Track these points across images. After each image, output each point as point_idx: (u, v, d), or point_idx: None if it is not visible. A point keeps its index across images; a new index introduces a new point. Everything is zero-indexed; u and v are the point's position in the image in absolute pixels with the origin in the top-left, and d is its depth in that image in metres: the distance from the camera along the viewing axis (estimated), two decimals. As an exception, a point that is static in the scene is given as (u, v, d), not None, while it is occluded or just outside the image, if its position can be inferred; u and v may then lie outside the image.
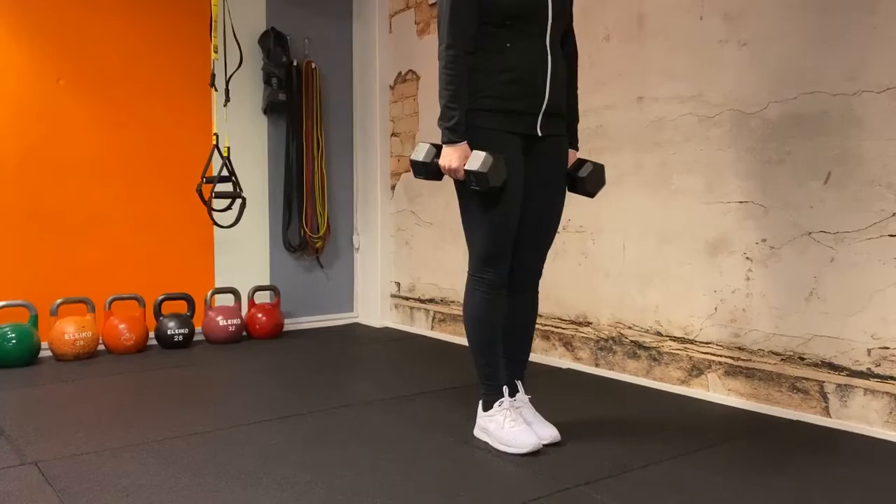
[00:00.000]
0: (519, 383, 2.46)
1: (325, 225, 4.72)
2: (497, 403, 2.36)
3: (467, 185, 2.22)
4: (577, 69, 2.49)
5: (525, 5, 2.21)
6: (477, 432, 2.43)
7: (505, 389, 2.38)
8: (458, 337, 4.23)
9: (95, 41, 3.95)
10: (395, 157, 4.72)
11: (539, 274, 2.47)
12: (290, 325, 4.58)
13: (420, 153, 2.30)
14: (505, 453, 2.28)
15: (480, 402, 2.44)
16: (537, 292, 2.50)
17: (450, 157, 2.20)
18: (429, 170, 2.30)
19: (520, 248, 2.37)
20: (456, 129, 2.19)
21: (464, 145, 2.20)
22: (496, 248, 2.29)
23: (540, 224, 2.40)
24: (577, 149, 2.50)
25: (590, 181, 2.43)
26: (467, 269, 2.37)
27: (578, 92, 2.51)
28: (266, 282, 4.54)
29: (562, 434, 2.36)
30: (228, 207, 3.78)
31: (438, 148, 2.27)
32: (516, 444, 2.27)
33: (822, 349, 2.65)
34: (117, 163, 4.04)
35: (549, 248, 2.47)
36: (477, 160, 2.15)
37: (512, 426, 2.30)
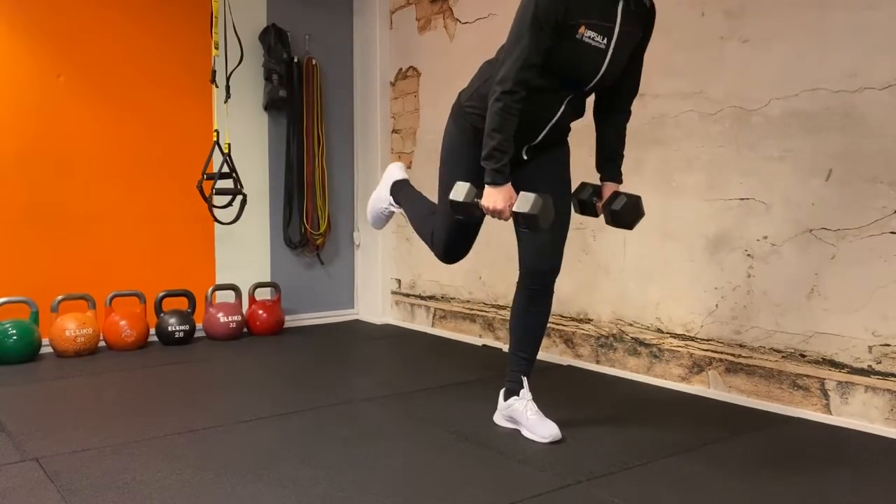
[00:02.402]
0: (524, 379, 2.46)
1: (326, 221, 4.72)
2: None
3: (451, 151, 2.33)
4: (630, 106, 2.46)
5: (576, 72, 2.21)
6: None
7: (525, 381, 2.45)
8: (458, 334, 4.23)
9: (96, 37, 3.95)
10: (396, 153, 4.72)
11: (557, 270, 2.45)
12: (291, 321, 4.57)
13: (460, 193, 2.23)
14: (508, 447, 2.28)
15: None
16: (552, 295, 2.49)
17: (495, 198, 2.17)
18: (468, 209, 2.24)
19: (538, 246, 2.38)
20: (503, 171, 2.16)
21: (508, 187, 2.18)
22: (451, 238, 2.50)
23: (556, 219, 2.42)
24: (620, 182, 2.46)
25: (625, 214, 2.38)
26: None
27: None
28: (267, 278, 4.54)
29: (563, 431, 2.36)
30: (229, 204, 3.77)
31: (478, 187, 2.23)
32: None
33: (823, 346, 2.65)
34: (118, 159, 4.03)
35: (564, 241, 2.46)
36: (527, 202, 2.10)
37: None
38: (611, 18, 2.15)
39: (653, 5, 2.27)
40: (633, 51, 2.29)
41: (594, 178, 2.47)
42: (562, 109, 2.28)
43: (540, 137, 2.33)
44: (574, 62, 2.18)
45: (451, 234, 2.49)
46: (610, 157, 2.44)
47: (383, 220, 2.91)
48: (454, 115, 2.46)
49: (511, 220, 2.23)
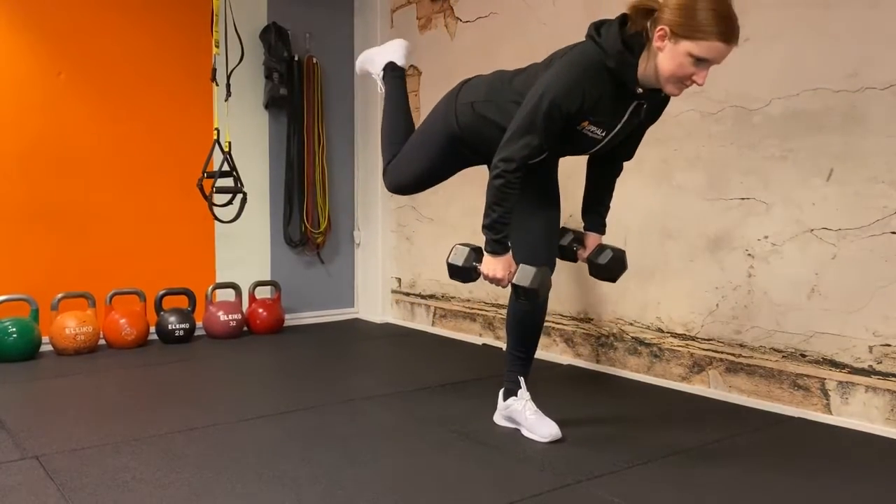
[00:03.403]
0: (522, 379, 2.46)
1: (326, 220, 4.72)
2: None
3: (442, 127, 2.39)
4: (622, 167, 2.52)
5: (569, 150, 2.28)
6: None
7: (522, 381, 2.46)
8: (458, 333, 4.23)
9: (96, 36, 3.94)
10: (397, 152, 4.72)
11: (553, 268, 2.46)
12: (291, 320, 4.57)
13: (459, 258, 2.26)
14: (507, 446, 2.28)
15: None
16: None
17: (494, 267, 2.20)
18: (465, 273, 2.27)
19: (532, 247, 2.39)
20: (503, 241, 2.19)
21: (508, 256, 2.21)
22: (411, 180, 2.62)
23: (548, 220, 2.44)
24: (602, 233, 2.53)
25: (610, 268, 2.46)
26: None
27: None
28: (267, 277, 4.54)
29: (563, 430, 2.36)
30: (229, 202, 3.77)
31: (476, 252, 2.26)
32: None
33: (823, 346, 2.65)
34: (118, 157, 4.03)
35: (557, 243, 2.50)
36: (526, 277, 2.16)
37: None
38: (618, 115, 2.18)
39: (668, 98, 2.27)
40: (637, 129, 2.33)
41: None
42: (553, 167, 2.42)
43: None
44: (567, 144, 2.23)
45: (407, 181, 2.62)
46: (595, 209, 2.52)
47: (365, 75, 2.96)
48: (445, 113, 2.46)
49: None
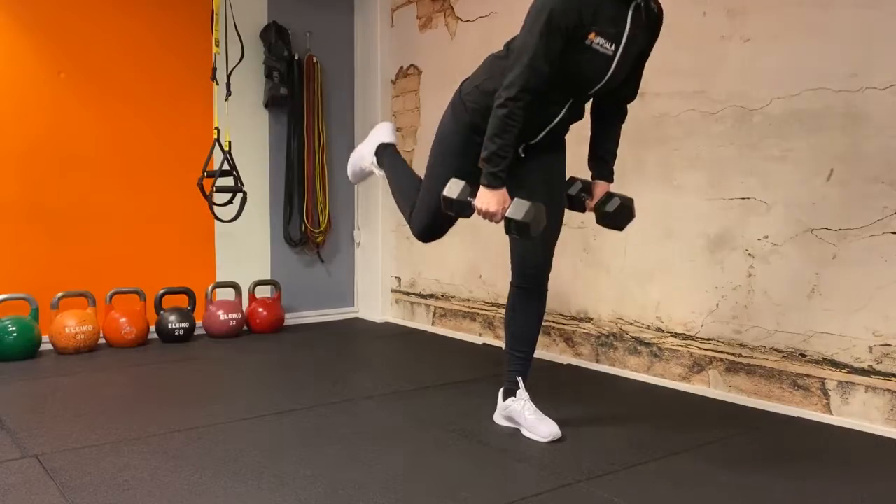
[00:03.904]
0: (520, 380, 2.46)
1: (326, 219, 4.72)
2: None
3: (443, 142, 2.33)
4: (627, 109, 2.48)
5: (581, 77, 2.20)
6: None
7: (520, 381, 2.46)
8: (459, 332, 4.23)
9: (97, 35, 3.94)
10: (397, 151, 4.71)
11: (547, 269, 2.46)
12: (291, 319, 4.57)
13: (454, 190, 2.25)
14: (508, 446, 2.28)
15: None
16: (545, 294, 2.49)
17: (489, 200, 2.18)
18: (460, 207, 2.26)
19: (528, 246, 2.38)
20: (501, 175, 2.17)
21: (503, 191, 2.19)
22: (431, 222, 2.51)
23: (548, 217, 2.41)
24: (611, 181, 2.48)
25: (618, 216, 2.41)
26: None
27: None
28: (267, 276, 4.54)
29: (562, 430, 2.36)
30: (229, 202, 3.77)
31: (472, 186, 2.24)
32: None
33: (823, 346, 2.64)
34: (118, 156, 4.03)
35: (555, 240, 2.47)
36: (520, 210, 2.11)
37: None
38: (621, 24, 2.14)
39: (661, 9, 2.27)
40: (638, 55, 2.28)
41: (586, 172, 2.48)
42: (562, 114, 2.29)
43: (538, 138, 2.34)
44: (579, 69, 2.16)
45: (432, 219, 2.49)
46: (603, 156, 2.46)
47: (362, 177, 2.91)
48: (453, 107, 2.44)
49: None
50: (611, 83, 2.24)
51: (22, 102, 3.76)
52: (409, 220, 2.60)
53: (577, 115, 2.36)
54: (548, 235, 2.41)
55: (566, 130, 2.43)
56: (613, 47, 2.14)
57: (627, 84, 2.35)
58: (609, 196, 2.42)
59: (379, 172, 2.78)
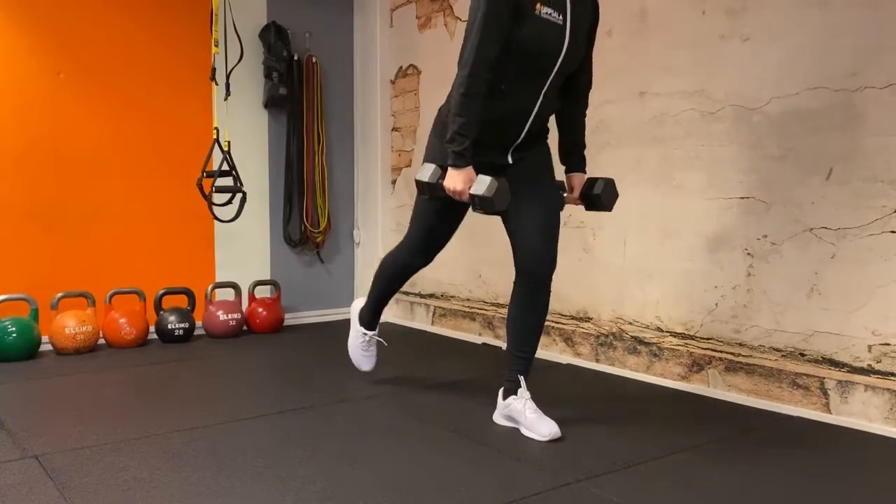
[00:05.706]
0: (522, 379, 2.46)
1: (326, 219, 4.72)
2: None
3: (433, 198, 2.37)
4: (588, 98, 2.57)
5: (541, 47, 2.25)
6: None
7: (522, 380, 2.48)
8: (458, 332, 4.23)
9: (96, 35, 3.94)
10: (396, 151, 4.72)
11: (551, 268, 2.46)
12: (291, 319, 4.57)
13: (425, 174, 2.34)
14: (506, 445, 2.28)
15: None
16: (548, 293, 2.49)
17: (456, 180, 2.25)
18: (433, 190, 2.34)
19: (531, 243, 2.40)
20: (464, 154, 2.23)
21: (469, 170, 2.25)
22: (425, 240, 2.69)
23: (545, 214, 2.43)
24: (584, 171, 2.58)
25: (605, 196, 2.52)
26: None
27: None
28: (266, 276, 4.54)
29: (562, 429, 2.36)
30: (229, 202, 3.77)
31: (443, 169, 2.31)
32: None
33: (822, 345, 2.65)
34: (118, 157, 4.03)
35: (556, 235, 2.48)
36: (483, 185, 2.20)
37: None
38: None
39: None
40: (586, 33, 2.38)
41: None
42: (539, 101, 2.35)
43: (523, 135, 2.39)
44: (536, 40, 2.23)
45: (435, 220, 2.60)
46: (574, 150, 2.56)
47: (368, 354, 3.07)
48: (436, 130, 2.50)
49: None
50: (570, 58, 2.31)
51: (21, 103, 3.76)
52: (409, 259, 2.81)
53: (554, 103, 2.43)
54: (550, 235, 2.42)
55: (546, 127, 2.49)
56: (561, 17, 2.24)
57: (583, 70, 2.44)
58: (592, 181, 2.54)
59: (373, 334, 3.03)
